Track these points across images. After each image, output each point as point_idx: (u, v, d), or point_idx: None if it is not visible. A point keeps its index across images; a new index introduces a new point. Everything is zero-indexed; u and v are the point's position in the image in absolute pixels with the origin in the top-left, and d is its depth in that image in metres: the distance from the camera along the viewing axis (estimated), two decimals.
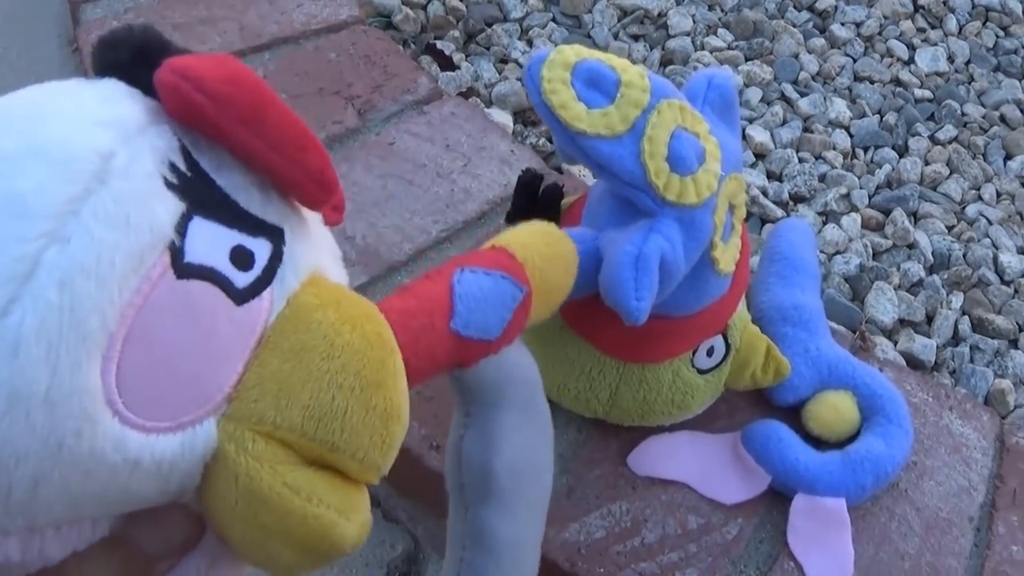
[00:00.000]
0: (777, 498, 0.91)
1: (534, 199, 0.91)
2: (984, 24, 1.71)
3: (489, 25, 1.52)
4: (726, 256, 0.80)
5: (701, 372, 0.89)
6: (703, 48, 1.55)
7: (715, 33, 1.58)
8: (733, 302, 0.88)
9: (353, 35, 1.35)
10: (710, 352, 0.88)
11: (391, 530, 1.02)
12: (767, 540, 0.89)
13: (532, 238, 0.69)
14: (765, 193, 1.32)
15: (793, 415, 0.96)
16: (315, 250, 0.51)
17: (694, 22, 1.58)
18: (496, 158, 1.18)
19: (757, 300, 1.02)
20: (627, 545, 0.87)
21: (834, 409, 0.94)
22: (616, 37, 1.55)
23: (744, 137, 1.40)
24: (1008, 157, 1.48)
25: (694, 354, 0.88)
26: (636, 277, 0.70)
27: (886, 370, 1.04)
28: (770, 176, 1.36)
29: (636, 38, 1.55)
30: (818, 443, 0.94)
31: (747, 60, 1.54)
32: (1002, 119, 1.54)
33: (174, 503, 0.46)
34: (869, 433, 0.93)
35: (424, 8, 1.53)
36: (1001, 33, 1.70)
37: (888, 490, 0.94)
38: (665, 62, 1.52)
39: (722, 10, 1.64)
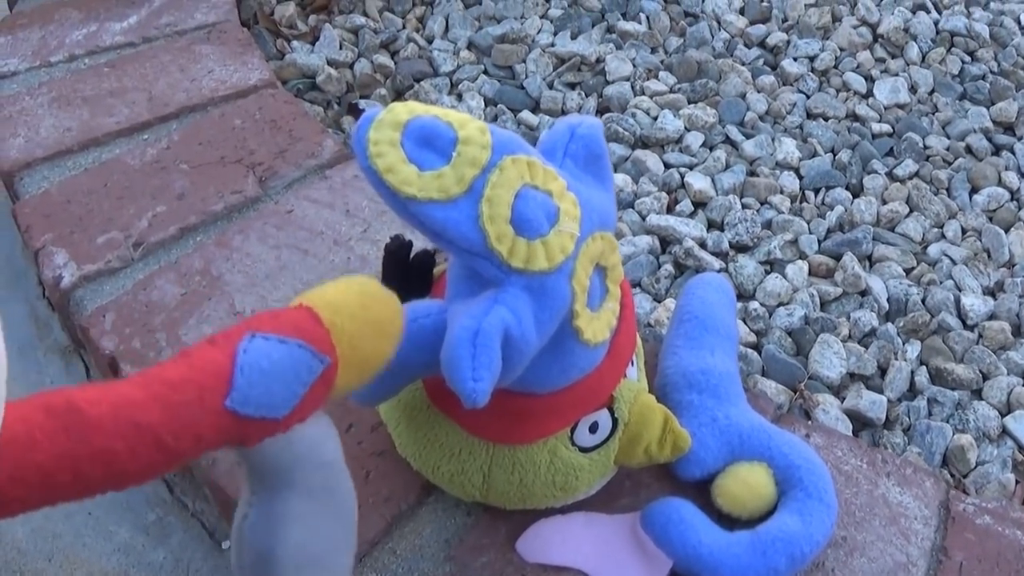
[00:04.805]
0: None
1: (405, 267, 0.84)
2: (949, 50, 1.62)
3: (418, 81, 1.45)
4: (594, 325, 0.73)
5: (584, 450, 0.81)
6: (643, 93, 1.47)
7: (656, 76, 1.50)
8: (614, 373, 0.80)
9: (261, 99, 1.30)
10: (593, 428, 0.81)
11: None
12: None
13: (346, 297, 0.62)
14: (703, 244, 1.23)
15: (703, 491, 0.88)
16: None
17: (634, 66, 1.51)
18: (397, 222, 1.10)
19: (663, 365, 0.94)
20: None
21: (745, 484, 0.86)
22: (551, 87, 1.47)
23: (683, 185, 1.32)
24: (974, 191, 1.38)
25: (573, 431, 0.80)
26: (474, 355, 0.62)
27: (814, 435, 0.95)
28: (711, 225, 1.28)
29: (572, 86, 1.48)
30: (731, 522, 0.85)
31: (690, 103, 1.46)
32: (968, 150, 1.44)
33: None
34: (784, 509, 0.85)
35: (351, 67, 1.47)
36: (967, 58, 1.61)
37: (811, 570, 0.85)
38: (602, 109, 1.45)
39: (665, 52, 1.57)
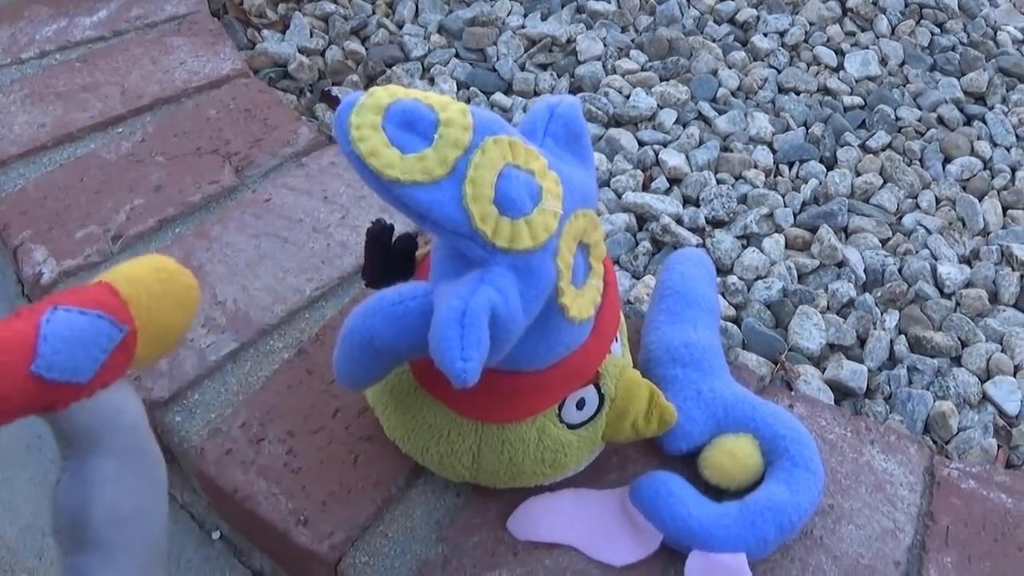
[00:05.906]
0: (673, 556, 0.83)
1: (387, 251, 0.84)
2: (918, 22, 1.63)
3: (390, 66, 1.45)
4: (579, 302, 0.73)
5: (571, 427, 0.81)
6: (614, 72, 1.47)
7: (627, 55, 1.51)
8: (599, 349, 0.80)
9: (234, 89, 1.29)
10: (580, 405, 0.81)
11: None
12: None
13: (142, 272, 0.66)
14: (679, 221, 1.23)
15: (691, 464, 0.88)
16: None
17: (604, 45, 1.51)
18: (376, 207, 1.11)
19: (646, 340, 0.95)
20: None
21: (731, 455, 0.86)
22: (523, 68, 1.47)
23: (657, 162, 1.32)
24: (947, 160, 1.39)
25: (560, 408, 0.80)
26: (462, 335, 0.63)
27: (798, 405, 0.96)
28: (687, 201, 1.28)
29: (544, 67, 1.48)
30: (719, 493, 0.86)
31: (662, 81, 1.46)
32: (940, 120, 1.45)
33: None
34: (771, 479, 0.85)
35: (322, 54, 1.47)
36: (937, 30, 1.62)
37: (800, 539, 0.86)
38: (574, 89, 1.45)
39: (635, 30, 1.57)
